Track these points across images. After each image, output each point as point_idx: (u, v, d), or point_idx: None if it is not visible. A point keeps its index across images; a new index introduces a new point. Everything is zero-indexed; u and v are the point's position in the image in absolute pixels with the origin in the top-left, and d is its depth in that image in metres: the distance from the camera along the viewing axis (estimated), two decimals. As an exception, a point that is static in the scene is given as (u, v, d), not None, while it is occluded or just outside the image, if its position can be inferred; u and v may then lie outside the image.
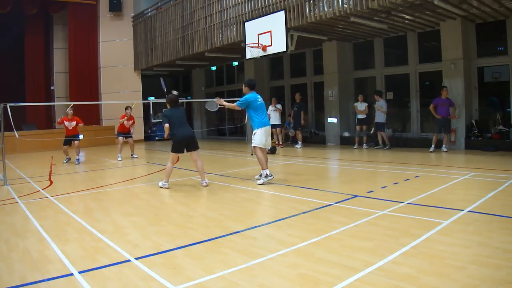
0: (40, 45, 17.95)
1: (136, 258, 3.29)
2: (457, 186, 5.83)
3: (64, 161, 10.56)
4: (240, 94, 6.85)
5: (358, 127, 11.79)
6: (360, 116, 11.66)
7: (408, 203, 4.80)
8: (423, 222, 4.00)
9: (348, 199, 5.21)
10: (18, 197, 6.13)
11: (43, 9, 16.99)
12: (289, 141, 14.04)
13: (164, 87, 8.12)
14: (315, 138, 14.00)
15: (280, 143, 12.92)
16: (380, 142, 11.29)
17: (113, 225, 4.41)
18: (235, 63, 17.04)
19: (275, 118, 12.71)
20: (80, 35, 17.34)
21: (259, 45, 10.72)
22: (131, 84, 17.77)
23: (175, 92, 7.06)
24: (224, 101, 6.90)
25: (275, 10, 10.41)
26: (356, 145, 11.74)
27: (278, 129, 12.89)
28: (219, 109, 7.57)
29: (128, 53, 17.83)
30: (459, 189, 5.72)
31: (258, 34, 10.73)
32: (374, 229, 3.86)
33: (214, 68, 18.69)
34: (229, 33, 12.14)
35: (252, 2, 11.21)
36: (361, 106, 11.63)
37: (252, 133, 6.60)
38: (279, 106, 12.99)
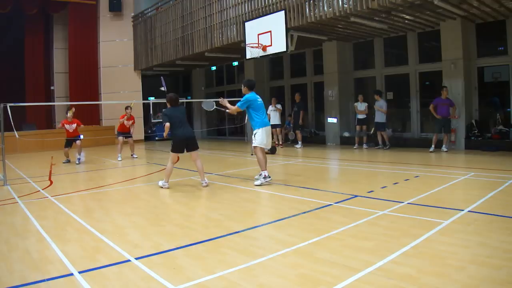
0: (40, 45, 17.94)
1: (136, 258, 3.29)
2: (457, 186, 5.83)
3: (64, 161, 10.55)
4: (240, 94, 6.83)
5: (358, 127, 11.79)
6: (360, 116, 11.66)
7: (408, 203, 4.80)
8: (423, 222, 4.00)
9: (348, 199, 5.21)
10: (18, 197, 6.12)
11: (43, 9, 16.98)
12: (289, 141, 14.05)
13: (164, 86, 8.12)
14: (315, 138, 14.00)
15: (280, 143, 12.92)
16: (380, 142, 11.30)
17: (113, 225, 4.41)
18: (235, 63, 17.03)
19: (275, 118, 12.71)
20: (80, 35, 17.33)
21: (259, 45, 10.73)
22: (131, 84, 17.77)
23: (163, 89, 7.06)
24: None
25: (275, 10, 10.41)
26: (356, 145, 11.74)
27: (278, 129, 12.89)
28: (219, 106, 7.55)
29: (128, 53, 17.83)
30: (459, 189, 5.72)
31: (258, 34, 10.73)
32: (374, 229, 3.86)
33: (214, 68, 18.68)
34: (229, 33, 12.14)
35: (252, 2, 11.21)
36: (361, 106, 11.63)
37: (253, 133, 6.58)
38: (279, 106, 12.99)
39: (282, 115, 13.50)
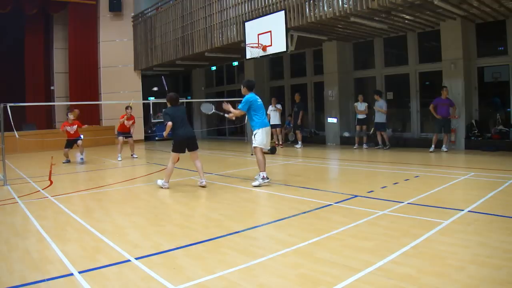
0: (40, 45, 17.93)
1: (136, 258, 3.29)
2: (457, 186, 5.83)
3: (64, 161, 10.55)
4: (240, 94, 6.82)
5: (358, 127, 11.79)
6: (360, 116, 11.66)
7: (408, 203, 4.80)
8: (423, 222, 4.00)
9: (348, 199, 5.21)
10: (18, 197, 6.12)
11: (43, 9, 16.97)
12: (289, 141, 14.06)
13: (166, 86, 8.12)
14: (315, 138, 14.00)
15: (280, 143, 12.92)
16: (380, 142, 11.30)
17: (113, 225, 4.41)
18: (235, 63, 17.03)
19: (275, 118, 12.72)
20: (80, 35, 17.33)
21: (259, 45, 10.73)
22: (131, 84, 17.76)
23: (155, 88, 7.07)
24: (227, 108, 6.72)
25: (275, 10, 10.41)
26: (356, 145, 11.74)
27: (278, 129, 12.89)
28: (219, 109, 7.55)
29: (128, 53, 17.82)
30: (459, 189, 5.73)
31: (258, 34, 10.73)
32: (374, 229, 3.86)
33: (214, 68, 18.68)
34: (229, 33, 12.14)
35: (252, 2, 11.21)
36: (361, 106, 11.63)
37: (253, 134, 6.56)
38: (279, 106, 12.99)
39: (282, 115, 13.50)
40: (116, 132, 11.81)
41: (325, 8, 9.24)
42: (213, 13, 12.71)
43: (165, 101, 6.63)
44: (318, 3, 9.37)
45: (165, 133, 6.42)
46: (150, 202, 5.75)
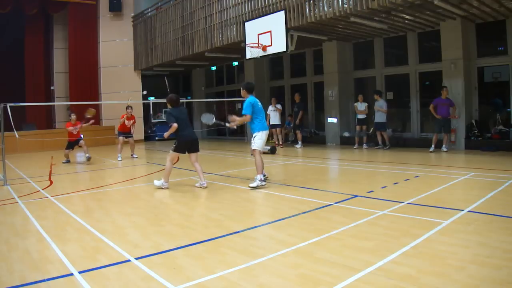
0: (40, 45, 17.94)
1: (136, 258, 3.29)
2: (457, 186, 5.83)
3: (64, 162, 10.54)
4: (240, 94, 6.79)
5: (358, 127, 11.79)
6: (360, 116, 11.66)
7: (408, 203, 4.80)
8: (423, 222, 4.00)
9: (348, 199, 5.21)
10: (18, 197, 6.13)
11: (43, 9, 16.98)
12: (289, 141, 14.06)
13: (168, 88, 8.12)
14: (315, 138, 14.00)
15: (280, 143, 12.92)
16: (380, 142, 11.30)
17: (113, 225, 4.41)
18: (235, 63, 17.03)
19: (275, 118, 12.72)
20: (80, 35, 17.33)
21: (259, 45, 10.73)
22: (131, 84, 17.76)
23: (144, 92, 7.05)
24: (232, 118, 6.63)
25: (275, 10, 10.41)
26: (356, 145, 11.74)
27: (278, 129, 12.89)
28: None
29: (128, 53, 17.83)
30: (459, 189, 5.73)
31: (258, 34, 10.73)
32: (374, 229, 3.86)
33: (214, 68, 18.68)
34: (229, 33, 12.14)
35: (252, 2, 11.22)
36: (361, 106, 11.63)
37: (252, 136, 6.45)
38: (279, 106, 12.99)
39: (282, 115, 13.50)
40: (116, 132, 11.79)
41: (325, 8, 9.24)
42: (213, 13, 12.71)
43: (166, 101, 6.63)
44: (318, 3, 9.37)
45: (167, 134, 6.40)
46: (150, 202, 5.75)
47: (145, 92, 8.49)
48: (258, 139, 6.36)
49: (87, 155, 10.29)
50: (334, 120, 12.97)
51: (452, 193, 5.46)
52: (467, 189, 5.73)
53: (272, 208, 5.21)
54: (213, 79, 19.73)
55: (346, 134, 12.92)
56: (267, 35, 10.52)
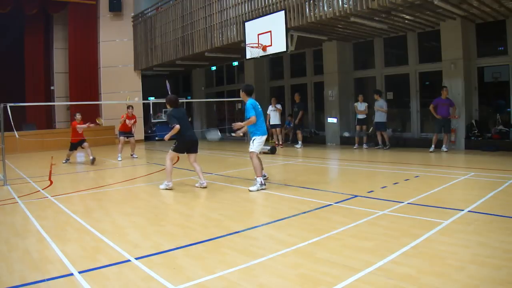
0: (40, 45, 17.94)
1: (136, 258, 3.30)
2: (457, 186, 5.83)
3: (64, 161, 10.54)
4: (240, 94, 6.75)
5: (358, 127, 11.79)
6: (360, 116, 11.66)
7: (408, 203, 4.80)
8: (423, 222, 4.00)
9: (348, 199, 5.21)
10: (18, 197, 6.13)
11: (43, 9, 16.98)
12: (289, 141, 14.06)
13: (169, 91, 8.13)
14: (315, 138, 14.00)
15: (280, 143, 12.92)
16: (380, 142, 11.30)
17: (113, 225, 4.42)
18: (235, 63, 17.03)
19: (275, 118, 12.72)
20: (80, 35, 17.33)
21: (259, 45, 10.72)
22: (131, 84, 17.76)
23: (136, 99, 7.05)
24: (238, 124, 6.54)
25: (275, 10, 10.41)
26: (356, 145, 11.74)
27: (278, 129, 12.89)
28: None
29: (128, 53, 17.82)
30: (459, 189, 5.73)
31: (258, 34, 10.73)
32: (374, 229, 3.86)
33: (214, 68, 18.68)
34: (229, 33, 12.14)
35: (252, 2, 11.21)
36: (361, 106, 11.63)
37: (251, 139, 6.36)
38: (279, 106, 12.99)
39: (282, 115, 13.49)
40: (118, 132, 11.77)
41: (325, 8, 9.24)
42: (213, 13, 12.71)
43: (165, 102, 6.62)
44: (318, 3, 9.37)
45: (168, 136, 6.35)
46: (150, 202, 5.75)
47: (137, 99, 8.65)
48: (257, 142, 6.29)
49: (91, 157, 10.10)
50: (334, 120, 12.97)
51: (452, 193, 5.46)
52: (467, 189, 5.73)
53: (272, 208, 5.21)
54: (213, 79, 19.73)
55: (346, 134, 12.92)
56: (267, 35, 10.52)
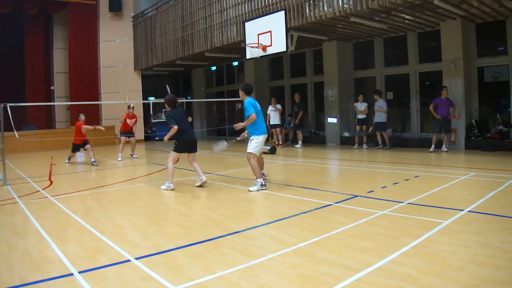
0: (40, 45, 17.94)
1: (136, 258, 3.29)
2: (457, 186, 5.83)
3: (66, 161, 10.50)
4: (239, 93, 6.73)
5: (358, 127, 11.79)
6: (360, 116, 11.65)
7: (408, 203, 4.80)
8: (423, 222, 4.00)
9: (348, 199, 5.21)
10: (18, 197, 6.13)
11: (43, 9, 16.97)
12: (289, 141, 14.06)
13: (169, 92, 8.13)
14: (315, 138, 14.00)
15: (280, 143, 12.92)
16: (380, 142, 11.30)
17: (113, 225, 4.41)
18: (235, 63, 17.03)
19: (275, 118, 12.72)
20: (80, 35, 17.32)
21: (259, 45, 10.72)
22: (131, 84, 17.76)
23: (131, 105, 7.05)
24: (239, 124, 6.54)
25: (275, 10, 10.41)
26: (356, 145, 11.74)
27: (278, 129, 12.89)
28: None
29: (128, 53, 17.82)
30: (459, 189, 5.73)
31: (258, 34, 10.73)
32: (374, 229, 3.86)
33: (214, 68, 18.68)
34: (229, 33, 12.14)
35: (252, 2, 11.21)
36: (361, 106, 11.63)
37: (249, 139, 6.32)
38: (278, 106, 12.98)
39: (282, 115, 13.49)
40: (118, 132, 11.75)
41: (325, 8, 9.24)
42: (213, 13, 12.71)
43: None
44: (318, 3, 9.37)
45: (167, 137, 6.37)
46: (150, 202, 5.75)
47: (132, 105, 8.78)
48: (255, 143, 6.21)
49: (92, 159, 10.02)
50: (334, 120, 12.97)
51: (452, 193, 5.46)
52: (467, 189, 5.73)
53: (272, 208, 5.21)
54: (213, 79, 19.73)
55: (346, 134, 12.92)
56: (267, 35, 10.52)
